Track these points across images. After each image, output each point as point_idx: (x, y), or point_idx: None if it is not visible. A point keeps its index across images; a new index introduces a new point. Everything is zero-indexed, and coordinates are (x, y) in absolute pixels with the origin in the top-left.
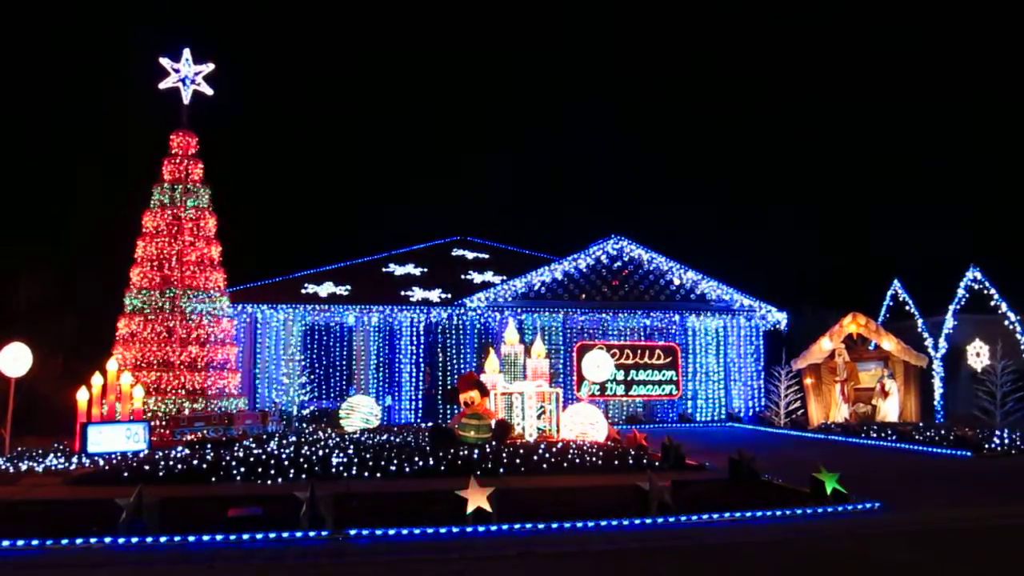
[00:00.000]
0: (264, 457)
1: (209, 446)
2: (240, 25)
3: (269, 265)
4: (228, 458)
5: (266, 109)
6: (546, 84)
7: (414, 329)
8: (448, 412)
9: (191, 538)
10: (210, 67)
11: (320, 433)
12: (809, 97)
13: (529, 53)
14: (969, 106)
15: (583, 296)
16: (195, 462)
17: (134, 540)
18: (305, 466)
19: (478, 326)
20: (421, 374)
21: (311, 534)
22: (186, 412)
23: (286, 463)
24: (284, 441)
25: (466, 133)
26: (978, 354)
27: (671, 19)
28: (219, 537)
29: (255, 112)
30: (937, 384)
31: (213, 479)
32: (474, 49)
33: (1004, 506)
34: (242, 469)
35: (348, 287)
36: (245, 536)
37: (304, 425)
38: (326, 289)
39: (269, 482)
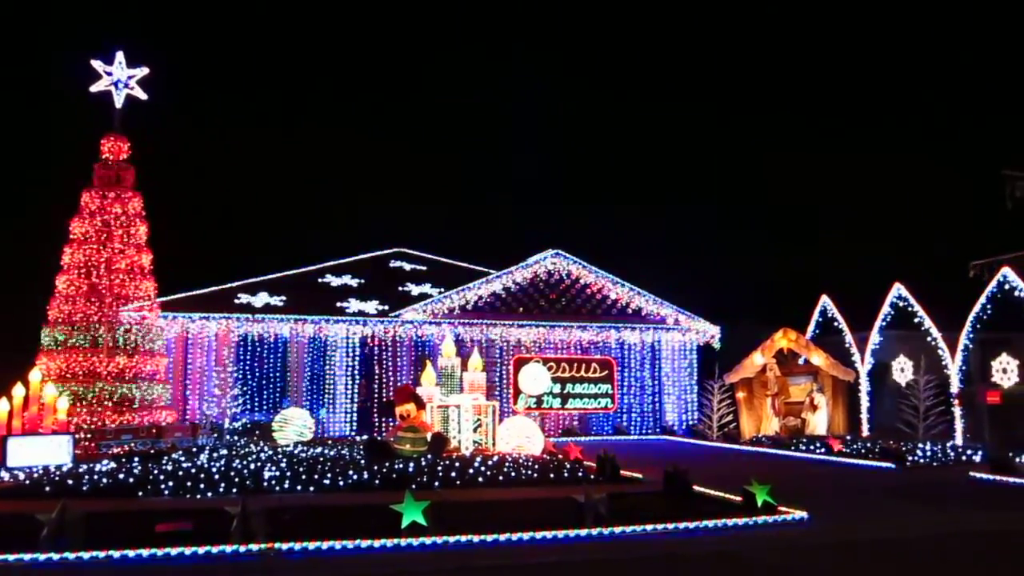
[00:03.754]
0: (194, 470)
1: (137, 459)
2: (178, 30)
3: (202, 275)
4: (156, 471)
5: (203, 116)
6: (489, 96)
7: (350, 341)
8: (384, 425)
9: (117, 554)
10: (144, 71)
11: (252, 446)
12: (749, 113)
13: (472, 63)
14: (898, 124)
15: (521, 309)
16: (122, 476)
17: (56, 557)
18: (236, 480)
19: (415, 338)
20: (357, 386)
21: (242, 549)
22: (113, 424)
23: (217, 476)
24: (215, 454)
25: (406, 144)
26: (902, 369)
27: (619, 35)
28: (146, 553)
29: (192, 119)
30: (864, 398)
31: (140, 493)
32: (417, 57)
33: (926, 516)
34: (171, 483)
35: (283, 298)
36: (174, 552)
37: (236, 438)
38: (261, 300)
39: (199, 496)
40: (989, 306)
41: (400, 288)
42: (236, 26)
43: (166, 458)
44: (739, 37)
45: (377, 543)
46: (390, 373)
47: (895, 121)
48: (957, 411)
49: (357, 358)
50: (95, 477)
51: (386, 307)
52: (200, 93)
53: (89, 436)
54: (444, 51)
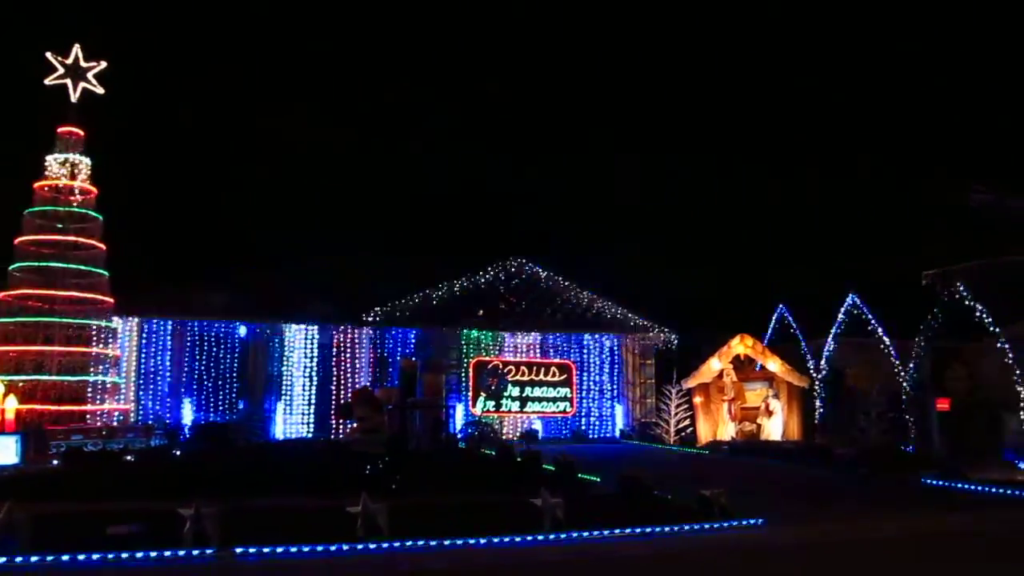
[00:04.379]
0: (147, 472)
1: (88, 460)
2: (138, 27)
3: (161, 274)
4: (108, 473)
5: (167, 111)
6: (453, 99)
7: (309, 342)
8: (342, 427)
9: (66, 557)
10: (102, 65)
11: (207, 447)
12: (709, 122)
13: (432, 68)
14: (856, 137)
15: (481, 313)
16: (72, 476)
17: (2, 560)
18: (189, 482)
19: (375, 341)
20: (315, 388)
21: (195, 552)
22: (64, 424)
23: (169, 478)
24: (169, 455)
25: (368, 142)
26: (855, 376)
27: (576, 41)
28: (96, 556)
29: (155, 114)
30: (818, 404)
31: (91, 495)
32: (378, 57)
33: (878, 520)
34: (123, 484)
35: (244, 298)
36: (125, 554)
37: (191, 439)
38: (221, 300)
39: (151, 498)
40: (941, 316)
41: (361, 290)
42: (198, 25)
43: (118, 460)
44: (690, 53)
45: (333, 546)
46: (349, 375)
47: (853, 133)
48: (908, 417)
49: (316, 360)
50: (44, 478)
51: (347, 309)
52: (165, 89)
53: (39, 435)
54: (409, 56)
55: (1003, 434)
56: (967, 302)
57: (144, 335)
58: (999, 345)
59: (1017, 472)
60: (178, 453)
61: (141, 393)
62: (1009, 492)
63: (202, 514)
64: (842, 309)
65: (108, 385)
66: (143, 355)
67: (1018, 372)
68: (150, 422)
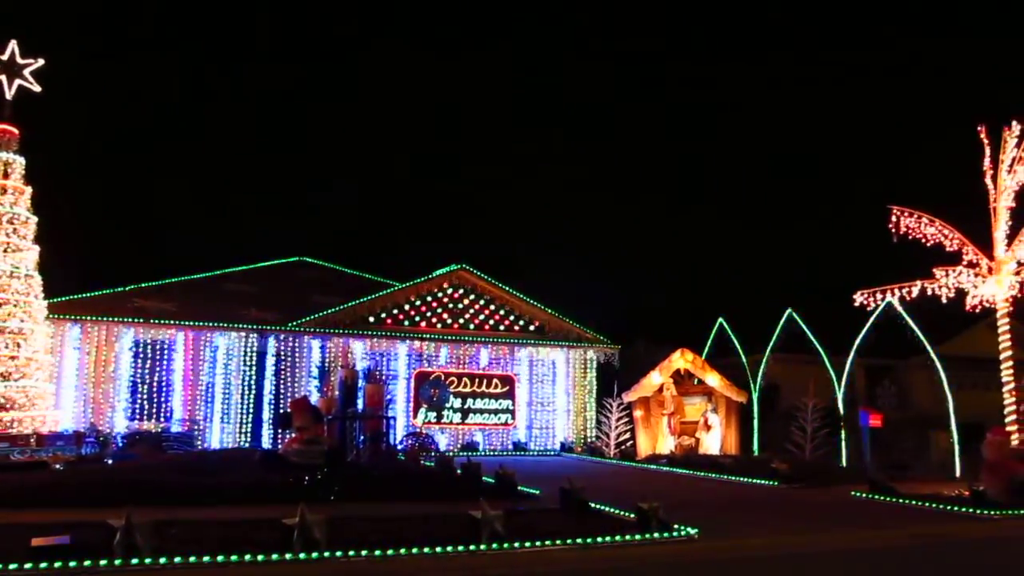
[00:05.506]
0: (76, 481)
1: (14, 469)
2: (81, 24)
3: (96, 276)
4: (35, 482)
5: (105, 113)
6: (393, 105)
7: (248, 350)
8: (280, 437)
9: None
10: (40, 62)
11: (140, 456)
12: (660, 133)
13: (384, 67)
14: (792, 159)
15: (423, 323)
16: None
17: None
18: (121, 491)
19: (315, 349)
20: (254, 396)
21: (126, 563)
22: None
23: (100, 488)
24: (100, 464)
25: (310, 153)
26: (791, 391)
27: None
28: (21, 567)
29: (93, 115)
30: (755, 419)
31: (17, 505)
32: (322, 62)
33: (811, 534)
34: (50, 494)
35: (180, 304)
36: (47, 566)
37: (123, 447)
38: (156, 305)
39: (81, 508)
40: (874, 334)
41: (302, 297)
42: (141, 26)
43: (47, 468)
44: (627, 57)
45: (269, 558)
46: (288, 384)
47: (791, 150)
48: (842, 433)
49: (255, 367)
50: None
51: (287, 316)
52: (105, 90)
53: None
54: (351, 56)
55: (931, 450)
56: (898, 321)
57: (77, 340)
58: (928, 363)
59: (944, 487)
60: (110, 462)
61: (73, 400)
62: (936, 507)
63: (133, 525)
64: (779, 325)
65: (39, 393)
66: (76, 361)
67: (946, 390)
68: (81, 430)
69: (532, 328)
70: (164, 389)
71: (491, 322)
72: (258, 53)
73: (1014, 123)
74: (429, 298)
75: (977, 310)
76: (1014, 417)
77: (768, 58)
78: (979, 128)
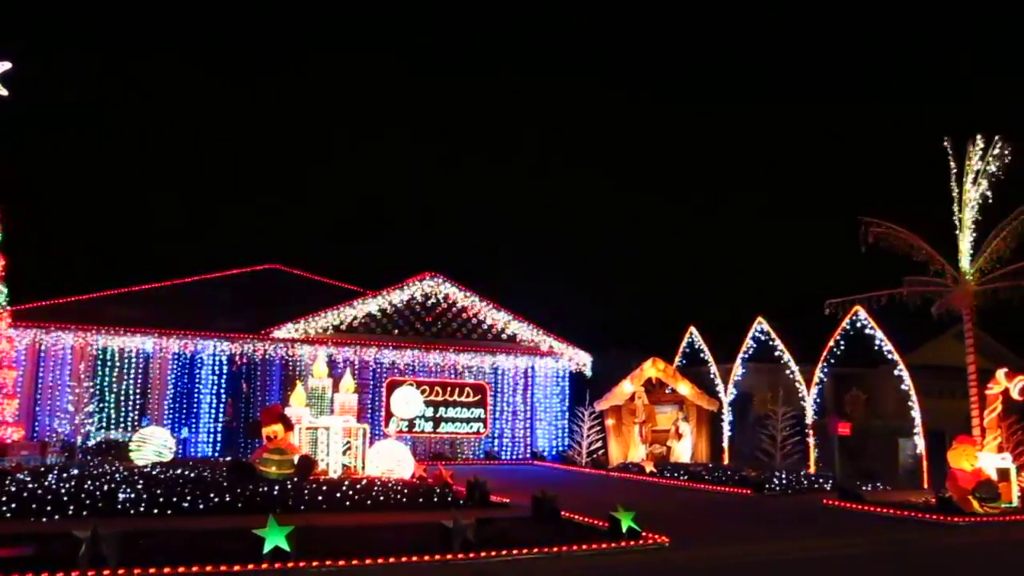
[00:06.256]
0: (40, 492)
1: None
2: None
3: (62, 283)
4: None
5: (71, 118)
6: (365, 111)
7: (217, 358)
8: (250, 446)
9: None
10: (7, 66)
11: (107, 466)
12: (633, 139)
13: (363, 75)
14: (765, 167)
15: (396, 331)
16: None
17: None
18: (88, 502)
19: (286, 357)
20: (223, 406)
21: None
22: None
23: (65, 498)
24: (65, 474)
25: (283, 159)
26: (762, 400)
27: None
28: None
29: (58, 120)
30: (726, 427)
31: None
32: (296, 67)
33: (780, 542)
34: (13, 505)
35: (148, 311)
36: None
37: (89, 457)
38: (123, 312)
39: (45, 519)
40: (843, 342)
41: (272, 305)
42: (106, 26)
43: (10, 478)
44: (600, 66)
45: (238, 569)
46: (258, 393)
47: (762, 163)
48: (811, 441)
49: (224, 376)
50: None
51: (257, 324)
52: (73, 96)
53: None
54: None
55: (899, 458)
56: (867, 330)
57: (42, 348)
58: (896, 372)
59: (911, 495)
60: (76, 472)
61: (37, 408)
62: (902, 515)
63: (99, 536)
64: (750, 334)
65: (1, 401)
66: (40, 368)
67: (913, 398)
68: (46, 439)
69: (505, 337)
70: (132, 397)
71: (464, 330)
72: (234, 58)
73: (978, 137)
74: (401, 306)
75: (943, 319)
76: (979, 425)
77: (765, 66)
78: (944, 141)
